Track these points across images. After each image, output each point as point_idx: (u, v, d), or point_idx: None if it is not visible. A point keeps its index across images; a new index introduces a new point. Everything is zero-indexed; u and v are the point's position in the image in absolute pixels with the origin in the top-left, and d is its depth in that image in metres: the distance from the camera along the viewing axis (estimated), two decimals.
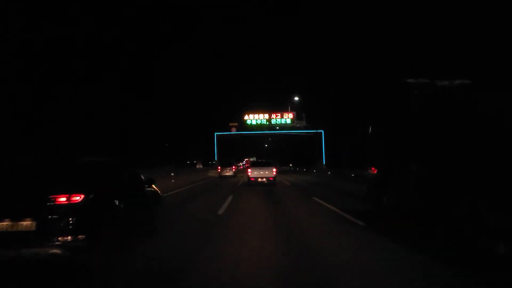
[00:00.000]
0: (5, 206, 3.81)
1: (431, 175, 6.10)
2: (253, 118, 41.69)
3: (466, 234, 5.10)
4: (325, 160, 43.55)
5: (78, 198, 3.92)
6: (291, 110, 42.42)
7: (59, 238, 3.73)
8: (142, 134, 45.00)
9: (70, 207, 3.85)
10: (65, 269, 4.13)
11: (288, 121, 41.70)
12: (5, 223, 3.70)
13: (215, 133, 45.62)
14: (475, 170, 4.96)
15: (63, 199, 3.84)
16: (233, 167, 31.43)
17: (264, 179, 18.18)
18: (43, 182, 4.06)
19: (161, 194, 6.97)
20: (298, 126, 42.49)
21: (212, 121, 51.10)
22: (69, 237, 3.77)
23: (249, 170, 18.97)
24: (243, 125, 42.10)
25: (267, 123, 41.79)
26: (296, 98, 44.45)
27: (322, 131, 43.92)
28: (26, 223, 3.72)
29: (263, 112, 41.92)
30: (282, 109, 42.46)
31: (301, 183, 21.62)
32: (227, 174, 28.79)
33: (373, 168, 9.57)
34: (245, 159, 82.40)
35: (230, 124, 42.94)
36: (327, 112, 48.32)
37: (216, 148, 45.60)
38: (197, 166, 40.55)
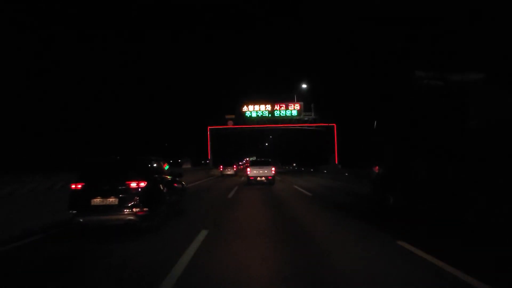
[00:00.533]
0: (98, 188, 7.15)
1: (444, 172, 6.84)
2: (253, 110, 43.61)
3: (484, 237, 5.70)
4: (338, 159, 45.40)
5: (143, 184, 7.24)
6: (298, 101, 44.16)
7: (133, 210, 7.04)
8: (141, 133, 48.52)
9: (139, 190, 7.16)
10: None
11: (294, 113, 43.50)
12: (98, 199, 7.03)
13: (209, 127, 47.27)
14: (498, 166, 5.41)
15: (134, 184, 7.16)
16: (234, 166, 39.89)
17: (263, 178, 21.91)
18: (120, 173, 7.39)
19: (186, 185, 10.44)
20: (305, 119, 44.40)
21: (205, 113, 53.61)
22: (139, 209, 7.09)
23: (248, 169, 22.69)
24: (242, 118, 44.11)
25: (269, 115, 43.71)
26: (304, 86, 45.37)
27: (334, 124, 45.48)
28: (111, 199, 7.04)
29: (265, 103, 43.72)
30: (287, 100, 44.32)
31: (324, 191, 18.38)
32: (229, 173, 37.37)
33: (376, 167, 12.00)
34: (246, 159, 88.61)
35: (227, 116, 44.92)
36: (340, 102, 49.94)
37: (209, 144, 47.60)
38: (183, 166, 43.04)
